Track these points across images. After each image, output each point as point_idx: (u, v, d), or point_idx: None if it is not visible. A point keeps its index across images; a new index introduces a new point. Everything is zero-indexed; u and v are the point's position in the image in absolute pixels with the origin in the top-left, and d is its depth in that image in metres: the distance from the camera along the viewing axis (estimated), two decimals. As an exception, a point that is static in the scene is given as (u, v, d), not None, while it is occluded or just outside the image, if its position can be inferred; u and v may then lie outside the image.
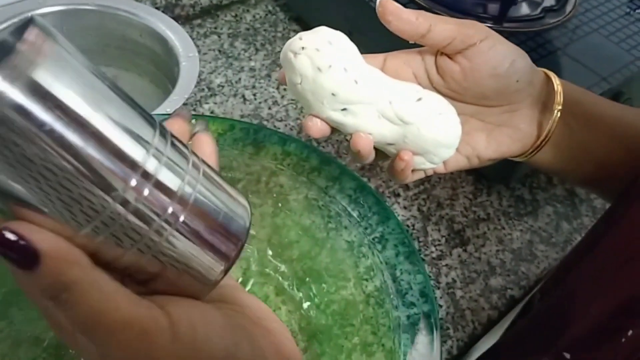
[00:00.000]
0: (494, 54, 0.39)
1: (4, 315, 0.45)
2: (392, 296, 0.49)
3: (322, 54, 0.36)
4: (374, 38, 0.67)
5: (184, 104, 0.54)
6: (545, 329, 0.45)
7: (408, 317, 0.48)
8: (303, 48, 0.36)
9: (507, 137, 0.42)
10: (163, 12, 0.63)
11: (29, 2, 0.60)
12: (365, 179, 0.62)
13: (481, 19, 0.65)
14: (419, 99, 0.38)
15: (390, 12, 0.38)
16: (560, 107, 0.41)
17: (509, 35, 0.65)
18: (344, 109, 0.37)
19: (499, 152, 0.43)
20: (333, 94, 0.36)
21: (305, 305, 0.50)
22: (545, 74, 0.43)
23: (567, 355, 0.38)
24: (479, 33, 0.39)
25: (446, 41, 0.38)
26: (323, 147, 0.65)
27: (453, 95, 0.40)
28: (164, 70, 0.60)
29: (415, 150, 0.39)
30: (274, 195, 0.54)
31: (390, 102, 0.37)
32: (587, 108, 0.43)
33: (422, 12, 0.39)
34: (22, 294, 0.46)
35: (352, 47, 0.38)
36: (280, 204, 0.54)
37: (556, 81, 0.42)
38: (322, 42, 0.36)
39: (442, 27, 0.38)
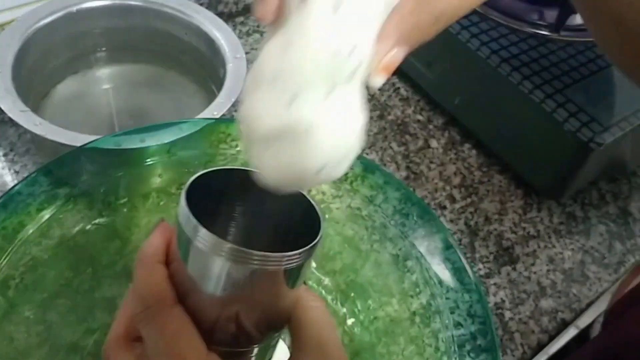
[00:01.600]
0: None
1: (41, 319, 0.44)
2: (438, 315, 0.47)
3: None
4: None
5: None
6: None
7: (455, 338, 0.45)
8: None
9: None
10: (207, 8, 0.62)
11: (74, -4, 0.58)
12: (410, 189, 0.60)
13: (537, 27, 0.62)
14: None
15: None
16: None
17: (566, 45, 0.62)
18: None
19: None
20: None
21: (349, 321, 0.48)
22: None
23: None
24: None
25: None
26: (367, 154, 0.63)
27: None
28: (209, 70, 0.58)
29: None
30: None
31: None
32: None
33: None
34: (62, 298, 0.45)
35: None
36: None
37: None
38: None
39: None
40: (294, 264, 0.25)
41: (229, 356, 0.28)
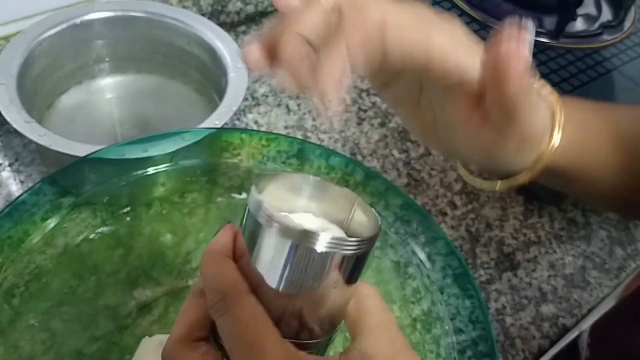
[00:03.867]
0: None
1: (46, 327, 0.44)
2: (439, 321, 0.47)
3: None
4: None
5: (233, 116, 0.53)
6: None
7: (456, 344, 0.46)
8: None
9: None
10: (209, 18, 0.63)
11: (77, 8, 0.59)
12: (411, 196, 0.61)
13: (536, 34, 0.63)
14: None
15: None
16: None
17: (565, 52, 0.63)
18: None
19: None
20: None
21: (351, 328, 0.48)
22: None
23: None
24: None
25: None
26: (368, 161, 0.64)
27: None
28: (211, 79, 0.59)
29: None
30: (319, 210, 0.53)
31: None
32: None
33: None
34: (66, 306, 0.45)
35: None
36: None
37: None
38: None
39: None
40: (361, 250, 0.26)
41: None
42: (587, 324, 0.54)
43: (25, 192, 0.47)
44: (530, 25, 0.29)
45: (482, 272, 0.56)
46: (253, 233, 0.26)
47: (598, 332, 0.51)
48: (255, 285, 0.27)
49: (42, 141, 0.46)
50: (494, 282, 0.55)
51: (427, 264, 0.49)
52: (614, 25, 0.66)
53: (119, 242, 0.49)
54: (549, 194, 0.62)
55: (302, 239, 0.25)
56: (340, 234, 0.29)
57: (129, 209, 0.48)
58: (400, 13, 0.31)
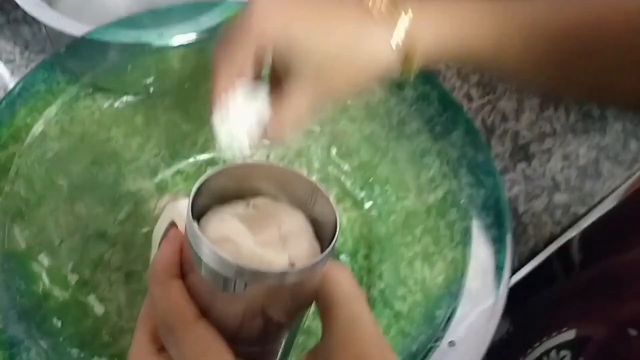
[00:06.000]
0: None
1: (70, 211, 0.45)
2: (454, 208, 0.48)
3: None
4: None
5: None
6: (597, 296, 0.43)
7: (470, 229, 0.47)
8: None
9: None
10: None
11: None
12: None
13: None
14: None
15: None
16: None
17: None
18: None
19: None
20: None
21: (367, 205, 0.49)
22: None
23: (633, 332, 0.35)
24: None
25: None
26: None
27: None
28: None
29: None
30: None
31: None
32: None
33: None
34: (87, 190, 0.46)
35: None
36: (340, 111, 0.52)
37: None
38: None
39: None
40: (310, 274, 0.25)
41: (262, 342, 0.28)
42: (579, 229, 0.55)
43: (35, 71, 0.46)
44: None
45: (496, 162, 0.56)
46: (195, 256, 0.24)
47: (590, 239, 0.51)
48: (208, 298, 0.26)
49: (56, 24, 0.45)
50: (508, 172, 0.56)
51: (444, 154, 0.49)
52: None
53: (135, 130, 0.49)
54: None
55: (246, 276, 0.23)
56: (283, 259, 0.26)
57: (145, 97, 0.48)
58: None
